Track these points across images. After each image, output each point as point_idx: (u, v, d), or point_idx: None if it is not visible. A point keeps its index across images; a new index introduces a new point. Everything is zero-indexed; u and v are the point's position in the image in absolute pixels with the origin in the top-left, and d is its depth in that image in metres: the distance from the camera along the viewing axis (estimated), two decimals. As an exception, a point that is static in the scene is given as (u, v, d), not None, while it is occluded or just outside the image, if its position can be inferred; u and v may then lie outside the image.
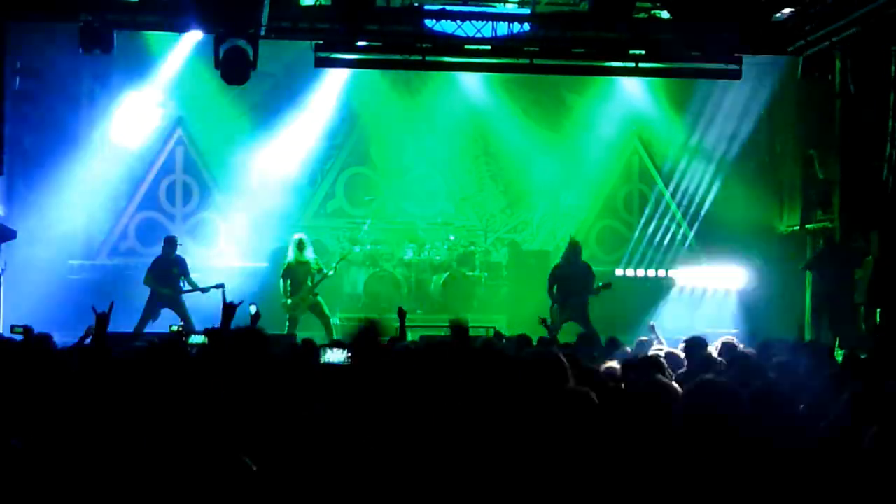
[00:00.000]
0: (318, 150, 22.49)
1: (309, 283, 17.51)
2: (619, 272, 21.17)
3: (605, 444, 5.77)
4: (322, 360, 9.24)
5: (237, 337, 6.86)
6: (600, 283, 16.83)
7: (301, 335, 14.92)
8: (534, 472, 5.61)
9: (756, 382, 7.15)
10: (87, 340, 10.68)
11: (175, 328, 13.69)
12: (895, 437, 5.47)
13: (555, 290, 16.86)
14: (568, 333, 14.89)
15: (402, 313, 11.61)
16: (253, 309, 11.85)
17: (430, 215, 21.87)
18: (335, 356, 9.29)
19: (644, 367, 8.22)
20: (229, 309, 9.36)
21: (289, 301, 17.46)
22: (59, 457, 5.78)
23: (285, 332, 16.78)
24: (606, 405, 6.20)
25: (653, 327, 13.19)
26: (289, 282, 17.57)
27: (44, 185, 19.98)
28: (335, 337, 16.67)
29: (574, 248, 17.21)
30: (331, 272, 17.82)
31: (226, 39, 16.29)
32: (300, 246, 17.63)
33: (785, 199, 21.79)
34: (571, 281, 16.77)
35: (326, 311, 17.68)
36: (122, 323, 16.27)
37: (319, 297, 17.67)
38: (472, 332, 15.03)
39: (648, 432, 5.95)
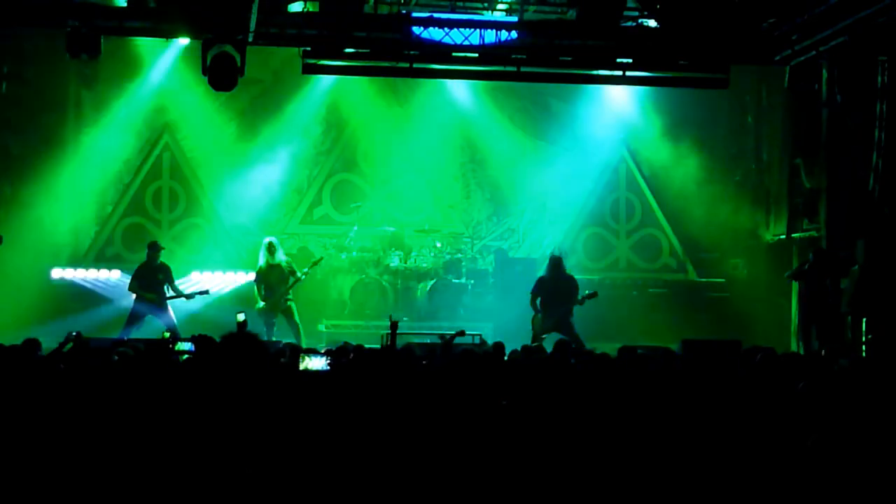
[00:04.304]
0: (305, 157, 22.46)
1: (282, 287, 17.41)
2: (605, 280, 21.24)
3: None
4: (301, 367, 9.21)
5: (233, 342, 6.83)
6: (587, 292, 16.82)
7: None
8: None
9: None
10: (66, 347, 10.67)
11: (167, 335, 13.68)
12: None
13: (538, 301, 16.82)
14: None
15: (393, 325, 11.69)
16: (240, 317, 11.86)
17: (417, 222, 21.81)
18: (314, 363, 9.26)
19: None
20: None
21: (263, 305, 17.38)
22: (49, 460, 5.77)
23: (265, 338, 16.61)
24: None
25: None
26: (262, 286, 17.48)
27: (29, 191, 19.95)
28: (322, 344, 16.65)
29: (557, 262, 17.18)
30: (302, 276, 17.66)
31: (213, 45, 16.27)
32: (270, 249, 17.55)
33: (771, 208, 21.83)
34: (556, 292, 16.75)
35: (297, 317, 17.53)
36: (108, 329, 16.27)
37: (291, 303, 17.56)
38: (457, 340, 15.09)
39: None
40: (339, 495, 5.79)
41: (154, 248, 17.35)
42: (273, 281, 17.43)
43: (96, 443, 6.09)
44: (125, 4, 16.97)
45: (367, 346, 11.39)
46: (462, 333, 12.95)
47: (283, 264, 17.57)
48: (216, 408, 6.36)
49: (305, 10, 17.48)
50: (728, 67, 17.93)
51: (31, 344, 9.77)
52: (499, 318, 19.53)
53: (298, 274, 17.52)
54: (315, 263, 17.96)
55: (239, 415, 6.26)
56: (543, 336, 16.23)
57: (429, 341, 14.60)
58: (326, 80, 21.39)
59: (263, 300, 17.38)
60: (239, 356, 6.69)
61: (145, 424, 6.33)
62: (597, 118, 22.66)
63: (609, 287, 20.68)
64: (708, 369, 9.76)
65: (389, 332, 12.05)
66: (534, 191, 22.75)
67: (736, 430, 6.73)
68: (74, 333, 11.16)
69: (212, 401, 6.50)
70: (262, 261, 17.60)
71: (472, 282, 20.93)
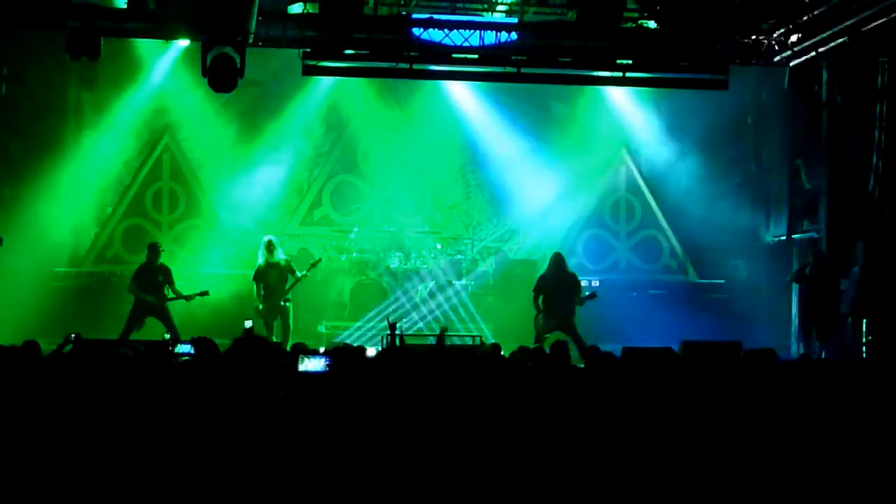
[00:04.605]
0: (305, 158, 22.45)
1: (282, 288, 17.28)
2: (605, 280, 21.24)
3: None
4: (300, 369, 9.16)
5: (243, 346, 6.83)
6: (586, 293, 16.77)
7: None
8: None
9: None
10: (66, 349, 10.66)
11: (167, 337, 13.65)
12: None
13: (540, 300, 16.75)
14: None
15: (392, 326, 11.70)
16: (247, 324, 11.87)
17: (417, 224, 21.83)
18: (313, 365, 9.21)
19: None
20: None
21: (261, 306, 17.28)
22: (49, 460, 5.76)
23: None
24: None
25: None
26: (261, 286, 17.35)
27: (30, 192, 19.92)
28: (323, 346, 16.58)
29: (559, 260, 17.13)
30: (301, 276, 17.51)
31: (213, 47, 16.26)
32: (269, 248, 17.40)
33: (771, 209, 21.79)
34: (558, 291, 16.69)
35: (291, 320, 17.42)
36: (108, 331, 16.25)
37: (290, 304, 17.43)
38: (458, 341, 15.09)
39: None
40: (339, 494, 5.79)
41: (154, 249, 17.31)
42: (272, 280, 17.32)
43: (96, 444, 6.09)
44: (125, 6, 16.96)
45: (367, 347, 11.41)
46: (446, 329, 13.00)
47: (282, 263, 17.47)
48: (217, 409, 6.36)
49: (305, 11, 17.47)
50: (727, 68, 17.92)
51: (31, 346, 9.76)
52: (499, 320, 19.55)
53: (298, 274, 17.42)
54: (314, 265, 17.82)
55: (240, 416, 6.26)
56: (546, 336, 16.18)
57: (433, 342, 14.60)
58: (326, 81, 21.38)
59: (262, 302, 17.29)
60: (252, 360, 6.69)
61: (145, 426, 6.33)
62: (597, 119, 22.66)
63: (609, 288, 20.67)
64: (708, 370, 9.77)
65: (389, 333, 12.05)
66: (534, 192, 22.74)
67: (736, 432, 6.73)
68: (73, 335, 11.15)
69: (213, 402, 6.50)
70: (260, 259, 17.52)
71: (473, 283, 20.93)
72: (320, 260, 18.42)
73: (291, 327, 17.37)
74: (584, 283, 17.45)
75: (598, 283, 19.78)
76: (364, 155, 22.79)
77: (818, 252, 17.51)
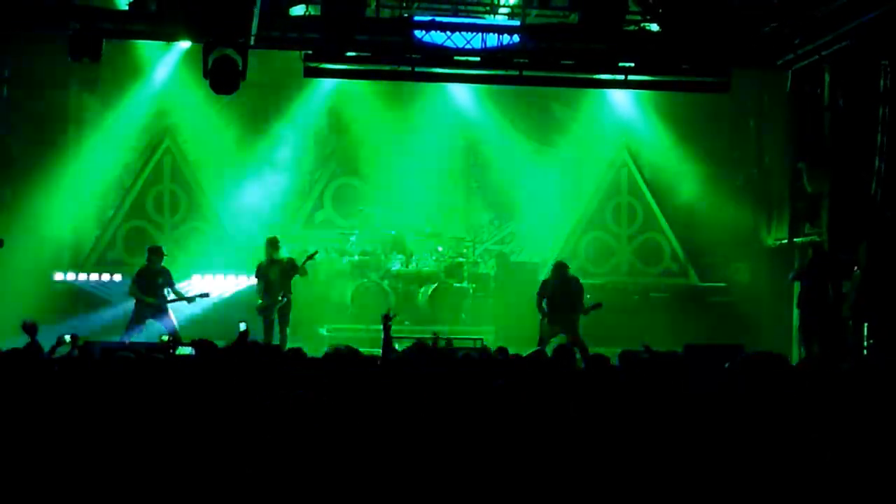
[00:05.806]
0: (307, 161, 22.46)
1: (283, 285, 17.14)
2: (607, 284, 21.24)
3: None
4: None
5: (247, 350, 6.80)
6: (591, 304, 16.76)
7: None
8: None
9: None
10: (58, 350, 10.65)
11: (165, 339, 13.61)
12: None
13: (544, 304, 16.76)
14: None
15: (386, 319, 11.63)
16: (242, 326, 11.83)
17: (419, 226, 21.77)
18: None
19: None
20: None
21: (261, 303, 17.20)
22: (47, 462, 5.75)
23: (261, 338, 16.32)
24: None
25: (647, 348, 13.11)
26: (262, 283, 17.30)
27: (31, 194, 19.91)
28: (324, 348, 16.48)
29: (562, 268, 17.15)
30: (301, 268, 17.37)
31: (214, 48, 16.23)
32: (272, 244, 17.37)
33: (773, 212, 21.77)
34: (562, 296, 16.70)
35: (287, 327, 17.28)
36: (109, 333, 16.23)
37: (289, 308, 17.28)
38: (459, 344, 15.04)
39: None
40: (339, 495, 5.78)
41: (155, 252, 17.29)
42: (273, 278, 17.23)
43: (95, 446, 6.08)
44: (126, 7, 16.97)
45: (365, 349, 11.36)
46: (437, 335, 12.92)
47: (284, 261, 17.41)
48: (217, 410, 6.35)
49: (307, 13, 17.48)
50: (730, 71, 17.90)
51: (31, 347, 9.72)
52: (500, 322, 19.51)
53: (298, 265, 17.27)
54: (310, 257, 17.68)
55: (240, 416, 6.24)
56: (549, 340, 16.17)
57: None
58: (328, 83, 21.39)
59: (262, 298, 17.24)
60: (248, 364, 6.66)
61: (145, 427, 6.31)
62: (598, 122, 22.66)
63: (611, 291, 20.65)
64: (710, 373, 9.75)
65: (384, 331, 11.93)
66: (535, 194, 22.72)
67: (737, 434, 6.71)
68: (67, 336, 11.10)
69: (213, 404, 6.49)
70: (264, 256, 17.51)
71: (474, 286, 20.91)
72: (316, 252, 18.24)
73: (287, 336, 17.15)
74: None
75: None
76: (365, 157, 22.76)
77: (819, 249, 17.46)
